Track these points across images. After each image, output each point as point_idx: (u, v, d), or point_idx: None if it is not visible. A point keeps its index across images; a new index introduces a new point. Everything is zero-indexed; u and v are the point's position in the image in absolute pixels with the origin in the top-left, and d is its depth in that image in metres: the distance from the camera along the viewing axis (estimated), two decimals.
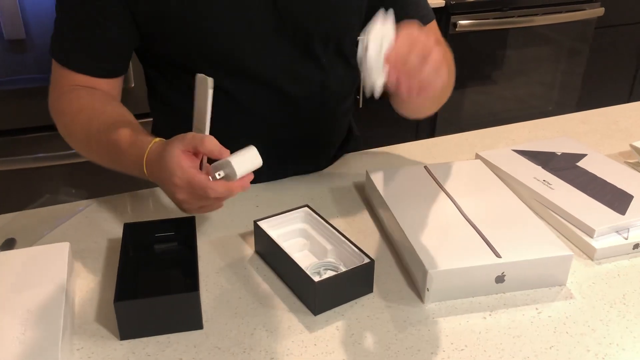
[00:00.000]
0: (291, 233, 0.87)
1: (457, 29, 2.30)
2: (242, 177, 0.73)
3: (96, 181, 1.10)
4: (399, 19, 1.00)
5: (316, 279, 0.73)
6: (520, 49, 2.50)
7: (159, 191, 1.01)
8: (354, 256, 0.79)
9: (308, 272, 0.75)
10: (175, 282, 0.78)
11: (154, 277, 0.79)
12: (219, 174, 0.73)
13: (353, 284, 0.77)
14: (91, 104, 0.89)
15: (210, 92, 0.69)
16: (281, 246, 0.79)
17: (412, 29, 0.69)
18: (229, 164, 0.72)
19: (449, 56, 0.98)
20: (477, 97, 2.53)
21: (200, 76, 0.70)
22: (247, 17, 0.89)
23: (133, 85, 1.65)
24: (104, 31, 0.87)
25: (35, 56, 1.68)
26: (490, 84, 2.54)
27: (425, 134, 2.46)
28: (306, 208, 0.88)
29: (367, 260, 0.77)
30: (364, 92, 0.71)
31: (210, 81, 0.69)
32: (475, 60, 2.45)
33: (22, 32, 1.67)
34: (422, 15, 1.00)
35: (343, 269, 0.79)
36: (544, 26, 2.46)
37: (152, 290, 0.77)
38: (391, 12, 0.70)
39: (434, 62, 0.68)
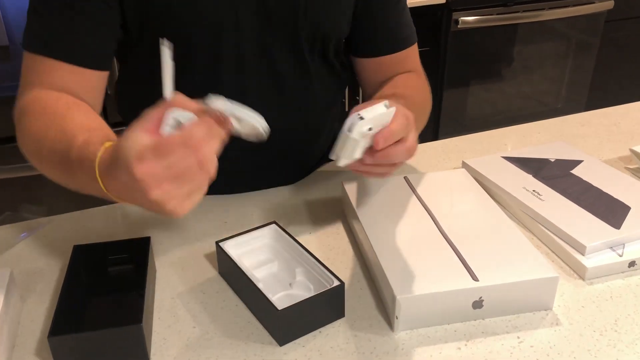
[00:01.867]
0: (257, 253, 0.80)
1: (459, 26, 2.22)
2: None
3: (59, 195, 1.05)
4: (380, 37, 0.96)
5: (282, 304, 0.67)
6: (527, 45, 2.41)
7: (130, 206, 0.95)
8: (323, 278, 0.73)
9: (272, 298, 0.68)
10: (121, 313, 0.73)
11: (100, 306, 0.74)
12: (170, 124, 0.57)
13: (321, 309, 0.70)
14: (54, 108, 0.77)
15: (168, 53, 0.58)
16: (243, 269, 0.73)
17: (403, 119, 0.72)
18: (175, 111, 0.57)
19: (426, 91, 0.99)
20: (482, 95, 2.45)
21: (161, 41, 0.59)
22: (233, 10, 0.83)
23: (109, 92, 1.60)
24: (88, 16, 0.79)
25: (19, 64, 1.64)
26: (496, 82, 2.46)
27: (427, 137, 2.38)
28: (273, 225, 0.82)
29: (336, 283, 0.71)
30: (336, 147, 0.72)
31: (167, 43, 0.58)
32: (479, 58, 2.37)
33: (4, 39, 1.63)
34: (405, 37, 0.98)
35: (311, 293, 0.73)
36: (551, 21, 2.38)
37: (95, 321, 0.71)
38: (394, 109, 0.71)
39: (411, 152, 0.76)
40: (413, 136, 0.75)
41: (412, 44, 0.99)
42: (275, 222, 0.82)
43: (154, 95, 0.95)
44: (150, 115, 0.57)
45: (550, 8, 2.33)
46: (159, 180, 0.54)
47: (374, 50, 0.97)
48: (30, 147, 0.78)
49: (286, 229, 0.81)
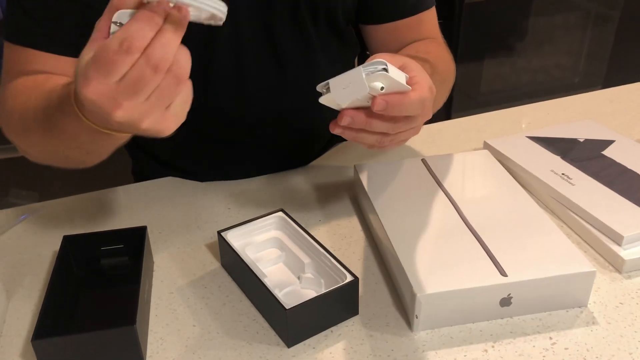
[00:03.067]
0: (263, 244, 0.74)
1: None
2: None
3: (50, 181, 0.98)
4: (388, 0, 0.85)
5: (290, 302, 0.61)
6: (543, 16, 2.31)
7: (127, 190, 0.89)
8: (334, 272, 0.66)
9: (279, 295, 0.62)
10: (113, 311, 0.66)
11: (91, 304, 0.67)
12: (113, 31, 0.48)
13: (333, 307, 0.64)
14: (34, 82, 0.72)
15: None
16: (247, 261, 0.67)
17: (422, 93, 0.61)
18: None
19: (449, 60, 0.86)
20: (497, 70, 2.36)
21: None
22: None
23: None
24: (68, 3, 0.73)
25: None
26: (510, 56, 2.37)
27: (440, 115, 2.30)
28: (280, 213, 0.75)
29: (350, 278, 0.64)
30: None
31: None
32: (493, 31, 2.28)
33: None
34: (419, 1, 0.87)
35: (322, 288, 0.66)
36: None
37: (85, 321, 0.65)
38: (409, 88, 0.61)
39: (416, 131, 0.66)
40: (422, 120, 0.65)
41: (426, 8, 0.88)
42: (282, 210, 0.75)
43: None
44: (97, 25, 0.49)
45: None
46: (114, 99, 0.47)
47: (382, 14, 0.87)
48: (15, 125, 0.72)
49: (294, 217, 0.74)
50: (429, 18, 0.89)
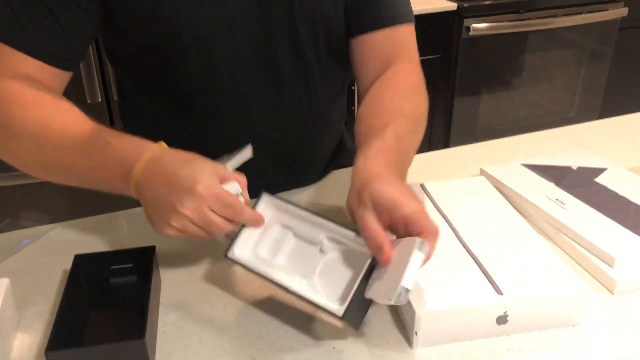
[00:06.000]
0: (267, 236, 0.72)
1: (470, 33, 2.18)
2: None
3: (62, 202, 1.01)
4: (367, 11, 0.87)
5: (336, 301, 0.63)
6: (539, 52, 2.37)
7: (135, 213, 0.92)
8: (351, 241, 0.67)
9: (327, 304, 0.63)
10: (123, 326, 0.69)
11: (101, 319, 0.70)
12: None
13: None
14: (45, 96, 0.75)
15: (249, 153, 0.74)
16: (266, 275, 0.67)
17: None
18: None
19: (419, 99, 0.86)
20: (494, 103, 2.41)
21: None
22: (225, 3, 0.80)
23: (100, 100, 1.57)
24: (61, 16, 0.76)
25: None
26: (508, 90, 2.42)
27: (439, 145, 2.34)
28: (264, 196, 0.73)
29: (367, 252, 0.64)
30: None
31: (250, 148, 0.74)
32: (491, 65, 2.33)
33: None
34: (395, 14, 0.88)
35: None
36: (564, 28, 2.34)
37: (96, 335, 0.67)
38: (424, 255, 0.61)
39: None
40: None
41: (404, 22, 0.89)
42: (264, 191, 0.74)
43: (154, 101, 0.91)
44: (221, 173, 0.67)
45: (563, 15, 2.30)
46: (194, 211, 0.64)
47: (362, 25, 0.88)
48: (26, 136, 0.73)
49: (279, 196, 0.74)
50: (407, 33, 0.90)
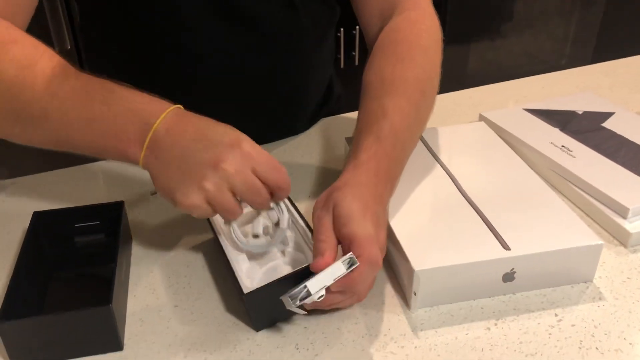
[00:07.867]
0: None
1: None
2: None
3: (24, 155, 0.92)
4: None
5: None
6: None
7: (104, 166, 0.84)
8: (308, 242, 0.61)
9: (241, 276, 0.57)
10: (88, 291, 0.62)
11: (64, 284, 0.62)
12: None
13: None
14: (22, 34, 0.62)
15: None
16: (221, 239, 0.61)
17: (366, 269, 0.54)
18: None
19: (430, 61, 0.74)
20: (483, 52, 2.33)
21: None
22: None
23: (69, 47, 1.48)
24: None
25: None
26: (497, 38, 2.33)
27: None
28: None
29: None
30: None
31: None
32: (480, 13, 2.24)
33: None
34: None
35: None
36: None
37: (57, 302, 0.60)
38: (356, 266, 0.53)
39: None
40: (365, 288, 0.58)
41: None
42: None
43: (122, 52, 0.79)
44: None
45: None
46: (237, 171, 0.54)
47: None
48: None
49: None
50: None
